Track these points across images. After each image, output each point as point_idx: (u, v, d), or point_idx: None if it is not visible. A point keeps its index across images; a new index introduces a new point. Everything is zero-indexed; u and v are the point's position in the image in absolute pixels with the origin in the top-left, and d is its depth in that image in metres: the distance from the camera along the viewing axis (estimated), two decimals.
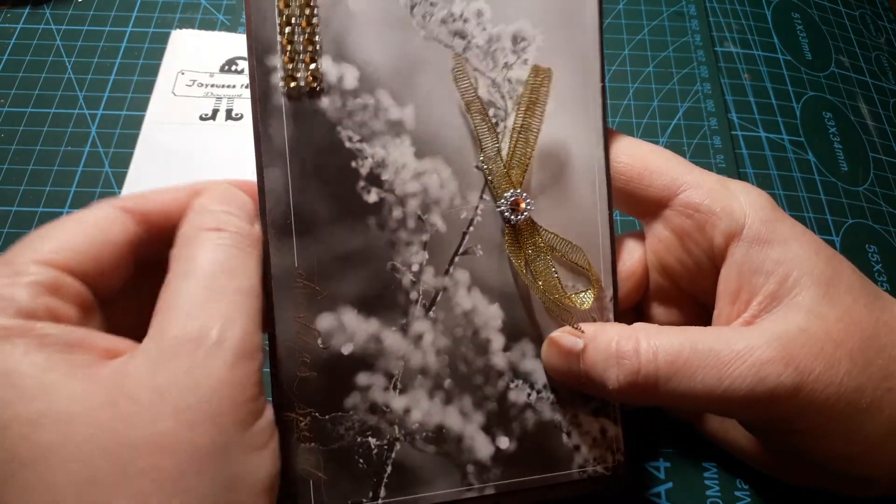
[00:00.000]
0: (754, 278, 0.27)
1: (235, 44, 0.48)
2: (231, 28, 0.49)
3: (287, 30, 0.26)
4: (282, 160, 0.27)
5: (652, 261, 0.31)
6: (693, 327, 0.27)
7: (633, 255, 0.31)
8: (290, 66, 0.26)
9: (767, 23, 0.53)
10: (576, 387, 0.29)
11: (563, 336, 0.28)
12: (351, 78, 0.27)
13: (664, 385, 0.26)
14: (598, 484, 0.29)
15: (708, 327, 0.27)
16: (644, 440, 0.36)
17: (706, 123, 0.47)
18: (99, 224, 0.24)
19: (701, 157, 0.46)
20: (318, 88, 0.27)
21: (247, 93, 0.45)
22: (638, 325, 0.27)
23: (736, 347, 0.25)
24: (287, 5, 0.26)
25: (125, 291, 0.25)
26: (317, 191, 0.27)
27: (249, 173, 0.42)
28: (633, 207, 0.31)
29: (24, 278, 0.21)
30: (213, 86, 0.46)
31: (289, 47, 0.26)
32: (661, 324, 0.28)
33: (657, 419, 0.36)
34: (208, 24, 0.49)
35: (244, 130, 0.44)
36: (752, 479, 0.34)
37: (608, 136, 0.29)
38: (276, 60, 0.26)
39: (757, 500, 0.34)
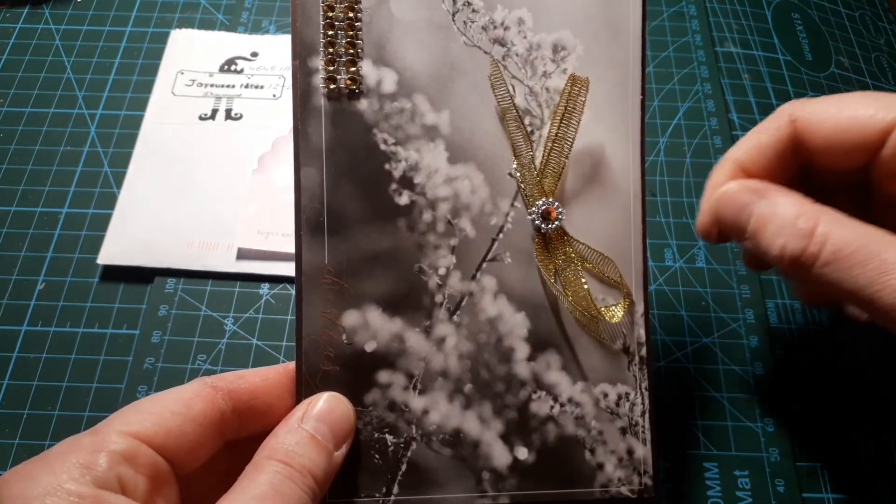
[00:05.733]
0: None
1: (235, 44, 0.48)
2: (230, 28, 0.49)
3: (330, 33, 0.27)
4: (318, 160, 0.27)
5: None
6: (873, 228, 0.26)
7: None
8: (331, 68, 0.27)
9: (767, 23, 0.52)
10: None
11: (740, 190, 0.28)
12: (389, 82, 0.28)
13: (818, 269, 0.26)
14: None
15: (887, 233, 0.26)
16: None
17: (706, 123, 0.46)
18: (188, 401, 0.25)
19: (701, 157, 0.45)
20: (356, 91, 0.27)
21: (246, 92, 0.46)
22: (820, 208, 0.27)
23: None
24: (332, 9, 0.27)
25: (208, 465, 0.26)
26: (350, 191, 0.28)
27: (250, 172, 0.43)
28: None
29: (106, 446, 0.23)
30: (212, 85, 0.46)
31: (330, 50, 0.27)
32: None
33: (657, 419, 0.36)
34: (208, 24, 0.49)
35: (244, 130, 0.44)
36: (753, 480, 0.34)
37: (644, 148, 0.29)
38: (318, 62, 0.27)
39: (757, 500, 0.34)
